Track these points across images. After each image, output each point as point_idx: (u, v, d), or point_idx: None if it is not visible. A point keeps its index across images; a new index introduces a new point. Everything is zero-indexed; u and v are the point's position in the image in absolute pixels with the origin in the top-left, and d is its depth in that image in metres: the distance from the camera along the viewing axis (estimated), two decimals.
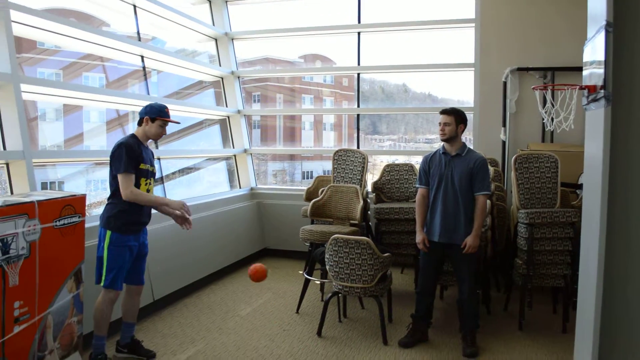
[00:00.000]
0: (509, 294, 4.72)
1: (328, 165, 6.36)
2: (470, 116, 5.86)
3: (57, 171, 4.85)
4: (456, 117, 3.80)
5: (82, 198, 3.36)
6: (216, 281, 5.66)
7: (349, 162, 5.48)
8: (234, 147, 7.25)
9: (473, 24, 6.19)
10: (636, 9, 2.19)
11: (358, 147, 6.89)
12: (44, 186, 4.43)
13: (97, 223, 3.56)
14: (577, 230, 3.85)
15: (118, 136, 5.49)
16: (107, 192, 3.57)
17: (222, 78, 7.25)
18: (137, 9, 5.60)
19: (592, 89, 2.42)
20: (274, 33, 7.33)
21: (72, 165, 4.98)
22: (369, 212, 5.45)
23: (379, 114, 7.41)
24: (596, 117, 2.33)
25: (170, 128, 3.78)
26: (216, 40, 7.21)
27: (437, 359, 3.73)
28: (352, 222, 4.95)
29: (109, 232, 3.42)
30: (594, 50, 2.39)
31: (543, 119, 5.29)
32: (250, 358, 3.73)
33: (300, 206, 5.83)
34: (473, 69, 6.23)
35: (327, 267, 4.13)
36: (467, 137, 6.37)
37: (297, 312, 4.69)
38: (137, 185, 3.47)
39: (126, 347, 3.71)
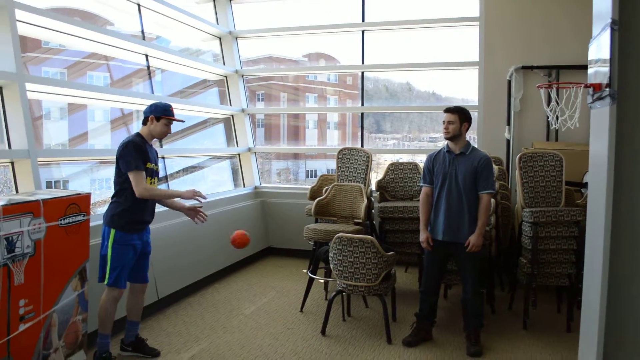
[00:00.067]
0: (513, 293, 4.71)
1: (332, 164, 6.35)
2: (474, 115, 5.83)
3: (62, 170, 4.87)
4: (460, 115, 3.79)
5: (87, 197, 3.37)
6: (220, 280, 5.67)
7: (353, 161, 5.47)
8: (238, 146, 7.26)
9: (477, 22, 6.17)
10: None
11: (362, 145, 6.88)
12: (48, 185, 4.45)
13: (102, 222, 3.58)
14: (582, 229, 3.83)
15: (122, 135, 5.50)
16: (112, 191, 3.58)
17: (226, 77, 7.26)
18: (141, 8, 5.60)
19: (597, 87, 2.41)
20: (278, 32, 7.33)
21: (76, 164, 5.00)
22: (373, 210, 5.44)
23: (383, 112, 7.39)
24: (601, 116, 2.32)
25: (174, 126, 3.79)
26: (220, 39, 7.22)
27: (441, 358, 3.72)
28: (356, 220, 4.95)
29: (113, 231, 3.43)
30: (599, 48, 2.38)
31: (548, 118, 5.27)
32: (255, 356, 3.74)
33: (304, 205, 5.83)
34: (477, 67, 6.21)
35: (331, 265, 4.13)
36: (472, 136, 6.36)
37: (301, 310, 4.69)
38: None
39: (130, 346, 3.72)
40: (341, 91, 8.11)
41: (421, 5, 6.83)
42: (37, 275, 2.96)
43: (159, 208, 3.87)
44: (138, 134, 3.57)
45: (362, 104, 6.96)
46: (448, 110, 3.84)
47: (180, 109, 5.62)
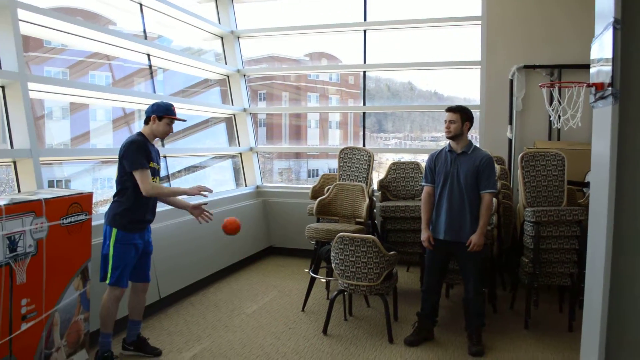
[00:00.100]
0: (515, 293, 4.71)
1: (334, 164, 6.36)
2: (476, 114, 5.83)
3: (64, 169, 4.88)
4: (462, 114, 3.79)
5: (89, 196, 3.37)
6: (222, 279, 5.68)
7: (354, 160, 5.47)
8: (239, 145, 7.26)
9: (479, 22, 6.16)
10: None
11: (364, 145, 6.88)
12: (50, 184, 4.46)
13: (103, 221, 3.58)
14: (584, 229, 3.83)
15: (124, 134, 5.52)
16: (113, 190, 3.59)
17: (228, 76, 7.26)
18: (143, 7, 5.61)
19: (599, 87, 2.40)
20: (280, 31, 7.33)
21: (78, 164, 5.01)
22: (374, 210, 5.44)
23: (385, 112, 7.39)
24: (604, 115, 2.31)
25: (176, 126, 3.80)
26: (222, 38, 7.22)
27: (443, 358, 3.72)
28: (357, 220, 4.95)
29: (114, 230, 3.43)
30: (602, 47, 2.37)
31: (550, 117, 5.26)
32: (256, 356, 3.74)
33: (306, 204, 5.83)
34: (479, 66, 6.20)
35: (333, 265, 4.13)
36: (474, 135, 6.35)
37: (303, 310, 4.69)
38: None
39: (132, 345, 3.73)
40: (343, 90, 8.11)
41: (423, 5, 6.82)
42: (39, 275, 2.96)
43: (160, 207, 3.87)
44: (140, 134, 3.58)
45: (364, 104, 6.96)
46: (450, 109, 3.83)
47: (182, 109, 5.64)
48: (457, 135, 3.80)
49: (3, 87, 3.82)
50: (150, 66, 5.67)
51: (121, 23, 5.72)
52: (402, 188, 5.55)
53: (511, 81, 5.98)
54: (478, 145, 4.03)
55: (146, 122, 3.60)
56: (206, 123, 7.04)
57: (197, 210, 3.76)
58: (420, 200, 4.19)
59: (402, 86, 7.52)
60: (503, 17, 6.04)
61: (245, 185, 7.17)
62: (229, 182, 7.30)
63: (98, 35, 4.81)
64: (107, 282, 3.46)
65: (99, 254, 3.52)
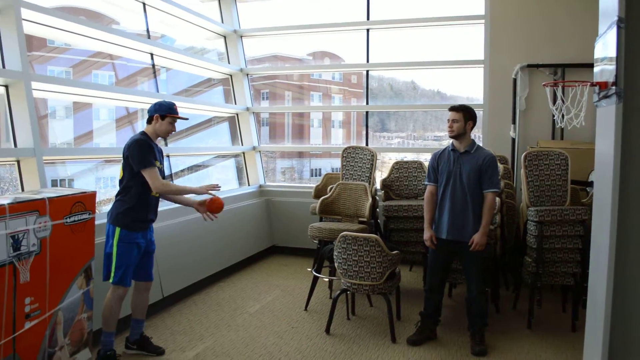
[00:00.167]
0: (518, 292, 4.70)
1: (337, 163, 6.35)
2: (479, 113, 5.83)
3: (67, 168, 4.89)
4: (465, 113, 3.78)
5: (92, 195, 3.38)
6: (225, 278, 5.68)
7: (357, 160, 5.47)
8: (242, 145, 7.27)
9: (482, 21, 6.15)
10: None
11: (367, 144, 6.88)
12: (54, 183, 4.47)
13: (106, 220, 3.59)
14: (587, 228, 3.82)
15: (127, 133, 5.53)
16: (116, 189, 3.59)
17: (230, 75, 7.26)
18: (146, 6, 5.62)
19: (603, 86, 2.40)
20: (283, 30, 7.34)
21: (81, 163, 5.02)
22: (377, 209, 5.44)
23: (388, 111, 7.38)
24: (607, 114, 2.31)
25: (179, 125, 3.80)
26: (225, 37, 7.22)
27: (446, 357, 3.72)
28: (360, 219, 4.95)
29: (118, 229, 3.44)
30: (605, 46, 2.37)
31: (553, 116, 5.25)
32: (259, 355, 3.74)
33: (308, 203, 5.83)
34: (482, 65, 6.19)
35: (336, 264, 4.13)
36: (477, 135, 6.34)
37: (306, 309, 4.69)
38: None
39: (135, 344, 3.73)
40: (346, 90, 8.10)
41: (426, 4, 6.81)
42: (43, 274, 2.97)
43: (162, 207, 3.88)
44: (143, 133, 3.58)
45: (367, 103, 6.96)
46: (453, 108, 3.83)
47: (185, 108, 5.65)
48: (460, 134, 3.79)
49: (7, 87, 3.83)
50: (153, 65, 5.68)
51: (124, 22, 5.73)
52: (405, 187, 5.54)
53: (514, 80, 5.96)
54: (481, 145, 4.03)
55: (149, 121, 3.61)
56: (209, 122, 7.04)
57: (203, 207, 3.76)
58: (423, 199, 4.19)
59: (405, 85, 7.51)
60: (506, 16, 6.03)
61: (248, 185, 7.18)
62: (232, 181, 7.31)
63: (101, 35, 4.82)
64: (111, 281, 3.46)
65: (102, 253, 3.52)
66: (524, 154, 4.51)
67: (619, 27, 2.13)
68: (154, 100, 3.72)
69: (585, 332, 2.76)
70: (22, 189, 3.84)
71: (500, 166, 4.55)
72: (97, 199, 3.57)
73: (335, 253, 4.10)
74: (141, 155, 3.43)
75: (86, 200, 3.30)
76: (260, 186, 7.17)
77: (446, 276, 4.08)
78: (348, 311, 4.51)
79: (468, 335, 3.90)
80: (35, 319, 2.92)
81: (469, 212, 3.76)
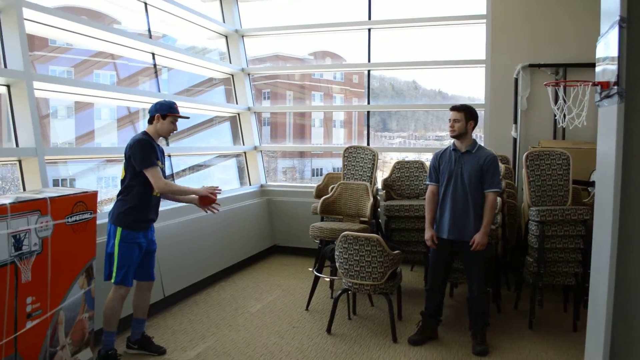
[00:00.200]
0: (520, 292, 4.69)
1: (338, 163, 6.35)
2: (481, 113, 5.82)
3: (69, 168, 4.89)
4: (466, 113, 3.78)
5: (94, 195, 3.38)
6: (226, 278, 5.68)
7: (359, 159, 5.47)
8: (244, 144, 7.27)
9: (484, 20, 6.14)
10: None
11: (368, 144, 6.87)
12: (55, 183, 4.47)
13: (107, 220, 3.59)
14: (589, 228, 3.81)
15: (129, 133, 5.52)
16: (118, 189, 3.59)
17: (232, 75, 7.26)
18: (148, 6, 5.62)
19: (605, 85, 2.39)
20: (284, 30, 7.34)
21: (83, 162, 5.02)
22: (379, 209, 5.44)
23: (389, 111, 7.38)
24: (609, 114, 2.30)
25: (181, 125, 3.80)
26: (226, 37, 7.23)
27: (447, 357, 3.71)
28: (362, 219, 4.94)
29: (119, 229, 3.44)
30: (607, 46, 2.36)
31: (555, 116, 5.24)
32: (260, 355, 3.74)
33: (310, 203, 5.83)
34: (484, 65, 6.18)
35: (337, 264, 4.13)
36: (478, 134, 6.33)
37: (307, 309, 4.69)
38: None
39: (137, 343, 3.73)
40: (347, 89, 8.10)
41: (428, 4, 6.81)
42: (44, 273, 2.97)
43: (163, 207, 3.88)
44: (145, 133, 3.59)
45: (368, 102, 6.96)
46: (454, 108, 3.83)
47: (186, 107, 5.66)
48: (461, 134, 3.79)
49: (9, 86, 3.84)
50: (154, 65, 5.68)
51: (126, 22, 5.73)
52: (407, 187, 5.54)
53: (516, 80, 5.96)
54: (482, 145, 4.02)
55: (150, 121, 3.61)
56: (210, 122, 7.05)
57: (205, 200, 3.73)
58: (424, 199, 4.19)
59: (407, 85, 7.51)
60: (508, 15, 6.02)
61: (250, 184, 7.18)
62: (233, 181, 7.31)
63: (103, 34, 4.83)
64: (113, 281, 3.47)
65: (104, 253, 3.53)
66: (525, 153, 4.51)
67: (620, 27, 2.13)
68: (156, 100, 3.73)
69: (586, 332, 2.75)
70: (24, 189, 3.84)
71: (502, 166, 4.54)
72: (99, 199, 3.57)
73: (336, 253, 4.10)
74: (143, 155, 3.43)
75: (87, 200, 3.30)
76: (262, 186, 7.17)
77: (447, 276, 4.08)
78: (349, 311, 4.51)
79: (469, 335, 3.90)
80: (36, 319, 2.93)
81: (470, 212, 3.76)
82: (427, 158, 6.34)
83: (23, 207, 2.81)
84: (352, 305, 4.54)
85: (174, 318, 4.47)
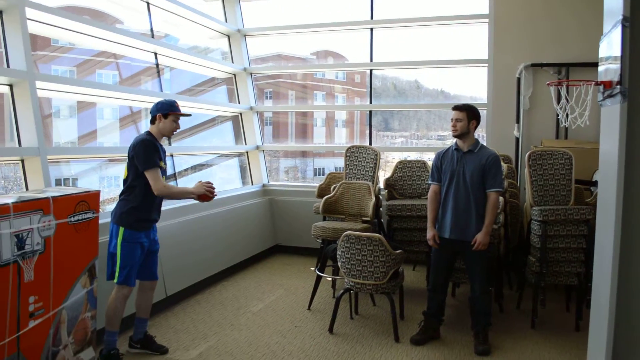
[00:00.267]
0: (522, 292, 4.69)
1: (340, 162, 6.35)
2: (483, 112, 5.81)
3: (71, 168, 4.90)
4: (468, 113, 3.78)
5: (96, 194, 3.38)
6: (228, 277, 5.69)
7: (361, 159, 5.47)
8: (246, 144, 7.27)
9: (486, 20, 6.13)
10: None
11: (370, 143, 6.87)
12: (58, 182, 4.48)
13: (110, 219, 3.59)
14: (592, 228, 3.81)
15: (131, 133, 5.53)
16: (120, 189, 3.60)
17: (234, 75, 7.27)
18: (150, 6, 5.62)
19: (607, 85, 2.39)
20: (286, 29, 7.34)
21: (85, 162, 5.03)
22: (381, 208, 5.44)
23: (391, 110, 7.37)
24: (612, 113, 2.30)
25: (183, 124, 3.80)
26: (229, 36, 7.23)
27: (449, 357, 3.71)
28: (364, 218, 4.94)
29: (121, 229, 3.45)
30: (610, 45, 2.36)
31: (557, 115, 5.23)
32: (262, 354, 3.75)
33: (312, 203, 5.83)
34: (486, 65, 6.17)
35: (339, 263, 4.13)
36: (480, 134, 6.33)
37: (309, 308, 4.70)
38: None
39: (139, 343, 3.74)
40: (349, 89, 8.10)
41: (430, 3, 6.80)
42: (47, 272, 2.98)
43: (165, 207, 3.88)
44: (149, 133, 3.59)
45: (370, 102, 6.95)
46: (456, 108, 3.82)
47: (188, 107, 5.66)
48: (463, 133, 3.79)
49: (11, 86, 3.85)
50: (157, 65, 5.68)
51: (128, 22, 5.73)
52: (409, 187, 5.54)
53: (518, 79, 5.95)
54: (485, 144, 4.02)
55: (152, 121, 3.61)
56: (213, 121, 7.05)
57: (204, 198, 3.71)
58: (426, 198, 4.18)
59: (409, 84, 7.50)
60: (510, 15, 6.01)
61: (252, 184, 7.18)
62: (235, 180, 7.31)
63: (105, 34, 4.83)
64: (115, 281, 3.47)
65: (106, 252, 3.53)
66: (528, 153, 4.50)
67: (623, 26, 2.12)
68: (158, 100, 3.73)
69: (589, 331, 2.75)
70: (27, 188, 3.85)
71: (504, 165, 4.54)
72: (101, 198, 3.58)
73: (338, 252, 4.10)
74: (146, 155, 3.43)
75: (90, 200, 3.30)
76: (264, 185, 7.18)
77: (449, 275, 4.08)
78: (351, 310, 4.51)
79: (471, 335, 3.90)
80: (39, 318, 2.93)
81: (472, 211, 3.76)
82: (429, 157, 6.33)
83: (26, 207, 2.82)
84: (354, 305, 4.54)
85: (176, 317, 4.47)
